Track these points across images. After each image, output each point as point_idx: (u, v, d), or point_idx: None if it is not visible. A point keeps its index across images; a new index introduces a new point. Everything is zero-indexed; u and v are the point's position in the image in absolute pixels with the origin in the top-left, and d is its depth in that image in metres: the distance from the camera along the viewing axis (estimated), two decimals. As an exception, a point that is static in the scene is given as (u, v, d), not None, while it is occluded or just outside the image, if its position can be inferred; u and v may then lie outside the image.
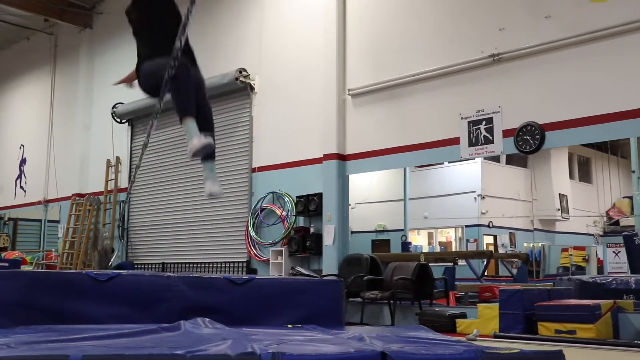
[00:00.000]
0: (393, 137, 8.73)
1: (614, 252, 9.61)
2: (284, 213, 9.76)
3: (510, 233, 19.37)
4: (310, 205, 9.35)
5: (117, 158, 12.92)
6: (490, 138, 7.70)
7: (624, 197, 18.48)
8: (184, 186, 11.56)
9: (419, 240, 19.54)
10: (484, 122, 7.76)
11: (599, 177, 19.99)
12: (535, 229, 18.67)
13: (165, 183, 12.04)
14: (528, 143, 7.37)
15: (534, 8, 7.50)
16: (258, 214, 10.10)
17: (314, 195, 9.32)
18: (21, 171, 16.02)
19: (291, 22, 10.17)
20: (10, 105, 16.96)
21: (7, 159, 16.63)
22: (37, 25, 15.18)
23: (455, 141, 8.03)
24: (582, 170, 20.71)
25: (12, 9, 14.00)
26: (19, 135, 16.36)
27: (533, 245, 18.38)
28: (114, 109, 12.77)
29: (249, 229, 10.13)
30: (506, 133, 7.58)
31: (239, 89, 10.54)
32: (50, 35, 15.29)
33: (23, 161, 16.03)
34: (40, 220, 15.68)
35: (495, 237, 18.89)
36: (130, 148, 12.91)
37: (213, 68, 10.60)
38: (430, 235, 19.82)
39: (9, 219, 16.95)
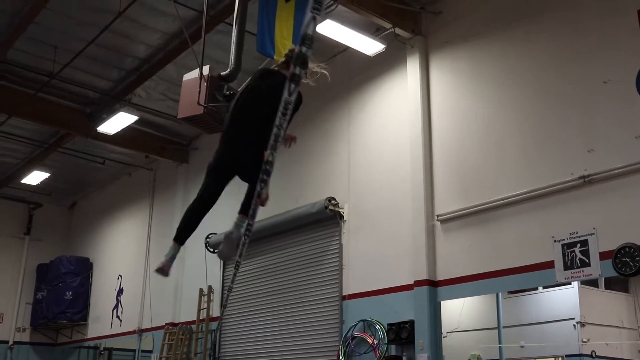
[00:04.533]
0: (484, 262, 8.59)
1: None
2: (375, 341, 9.59)
3: (616, 364, 18.15)
4: (402, 333, 9.16)
5: (210, 287, 13.18)
6: (587, 261, 7.45)
7: None
8: (274, 315, 11.61)
9: (516, 372, 18.56)
10: (578, 245, 7.56)
11: None
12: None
13: (255, 312, 12.12)
14: (628, 265, 7.09)
15: (622, 129, 7.45)
16: (349, 342, 9.97)
17: (406, 322, 9.14)
18: (118, 301, 16.55)
19: (378, 152, 10.45)
20: (110, 238, 17.80)
21: (106, 289, 17.27)
22: (139, 161, 16.22)
23: (549, 265, 7.82)
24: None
25: (118, 148, 15.11)
26: (118, 266, 17.04)
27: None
28: (207, 239, 13.19)
29: (340, 358, 9.97)
30: (603, 255, 7.32)
31: (329, 217, 10.72)
32: (150, 170, 16.25)
33: (120, 291, 16.59)
34: (134, 350, 15.95)
35: (599, 368, 17.73)
36: (222, 277, 13.18)
37: (303, 197, 10.97)
38: (528, 366, 18.80)
39: (104, 349, 17.35)
